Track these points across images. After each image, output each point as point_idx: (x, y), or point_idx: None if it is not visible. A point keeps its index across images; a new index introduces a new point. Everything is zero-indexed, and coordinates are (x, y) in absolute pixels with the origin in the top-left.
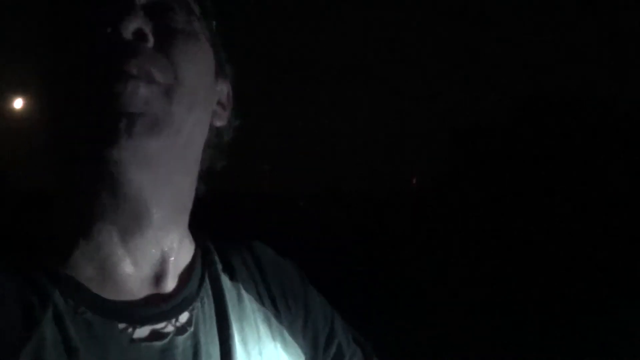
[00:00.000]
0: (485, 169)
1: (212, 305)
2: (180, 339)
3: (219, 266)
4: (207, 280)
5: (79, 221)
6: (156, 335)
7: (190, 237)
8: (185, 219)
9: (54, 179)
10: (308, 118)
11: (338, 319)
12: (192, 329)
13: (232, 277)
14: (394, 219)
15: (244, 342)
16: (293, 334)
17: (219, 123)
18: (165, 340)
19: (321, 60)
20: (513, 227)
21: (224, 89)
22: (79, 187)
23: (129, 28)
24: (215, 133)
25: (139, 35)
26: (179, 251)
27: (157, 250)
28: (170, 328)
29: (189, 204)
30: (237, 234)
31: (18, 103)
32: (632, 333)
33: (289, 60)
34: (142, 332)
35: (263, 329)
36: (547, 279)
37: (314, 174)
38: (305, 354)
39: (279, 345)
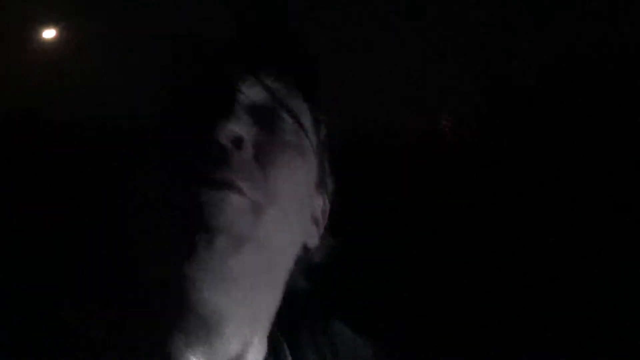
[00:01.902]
0: (522, 130)
1: None
2: None
3: None
4: None
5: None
6: None
7: (265, 338)
8: (264, 326)
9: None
10: (330, 44)
11: None
12: None
13: None
14: (418, 166)
15: None
16: None
17: (310, 242)
18: None
19: None
20: (546, 190)
21: (319, 204)
22: (144, 296)
23: (226, 133)
24: (305, 252)
25: (236, 142)
26: (249, 354)
27: (224, 357)
28: None
29: (270, 314)
30: None
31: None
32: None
33: None
34: None
35: None
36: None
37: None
38: None
39: None
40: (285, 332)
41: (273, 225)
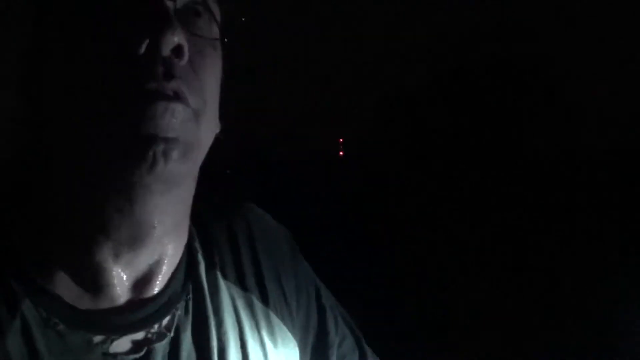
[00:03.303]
0: (412, 136)
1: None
2: (159, 346)
3: (200, 253)
4: (191, 275)
5: (67, 228)
6: (135, 346)
7: (185, 234)
8: (184, 226)
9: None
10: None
11: (329, 297)
12: (171, 334)
13: (211, 264)
14: (323, 184)
15: (225, 339)
16: (281, 316)
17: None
18: (142, 353)
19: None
20: (438, 196)
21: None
22: (82, 198)
23: (169, 44)
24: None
25: (177, 51)
26: (172, 254)
27: (148, 261)
28: (149, 336)
29: (189, 211)
30: None
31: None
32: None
33: None
34: (120, 344)
35: (246, 319)
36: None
37: (236, 139)
38: (295, 336)
39: (264, 334)
40: (198, 226)
41: (207, 129)
